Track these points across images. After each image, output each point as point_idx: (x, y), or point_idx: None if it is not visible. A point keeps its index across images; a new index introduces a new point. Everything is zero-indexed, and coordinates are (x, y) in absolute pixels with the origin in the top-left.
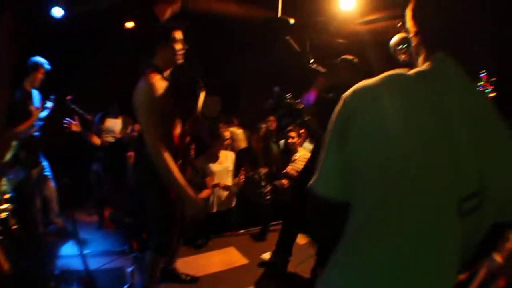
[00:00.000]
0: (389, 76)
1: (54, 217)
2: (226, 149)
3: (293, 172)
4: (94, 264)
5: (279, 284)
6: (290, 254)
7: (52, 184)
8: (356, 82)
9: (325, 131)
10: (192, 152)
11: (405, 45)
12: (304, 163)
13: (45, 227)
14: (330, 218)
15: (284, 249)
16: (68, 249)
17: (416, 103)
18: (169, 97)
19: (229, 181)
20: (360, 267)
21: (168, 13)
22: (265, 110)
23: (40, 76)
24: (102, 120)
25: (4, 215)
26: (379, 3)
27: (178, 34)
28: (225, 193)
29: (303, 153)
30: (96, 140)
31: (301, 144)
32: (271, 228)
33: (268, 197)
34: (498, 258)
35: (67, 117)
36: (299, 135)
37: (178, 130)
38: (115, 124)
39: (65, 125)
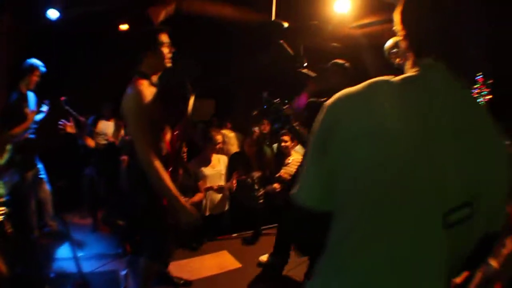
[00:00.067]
0: (373, 83)
1: (49, 219)
2: (218, 152)
3: (286, 176)
4: (88, 267)
5: (272, 287)
6: (289, 256)
7: (47, 186)
8: (347, 86)
9: None
10: (185, 156)
11: (399, 49)
12: (297, 167)
13: (40, 230)
14: (313, 228)
15: (281, 251)
16: (63, 252)
17: (400, 112)
18: (158, 103)
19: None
20: (342, 277)
21: (162, 15)
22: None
23: (35, 78)
24: (95, 123)
25: (0, 218)
26: (374, 6)
27: (164, 37)
28: (218, 197)
29: (296, 156)
30: (90, 143)
31: (294, 148)
32: (264, 231)
33: (261, 201)
34: (494, 263)
35: (62, 119)
36: (292, 139)
37: (168, 135)
38: (107, 127)
39: (60, 126)
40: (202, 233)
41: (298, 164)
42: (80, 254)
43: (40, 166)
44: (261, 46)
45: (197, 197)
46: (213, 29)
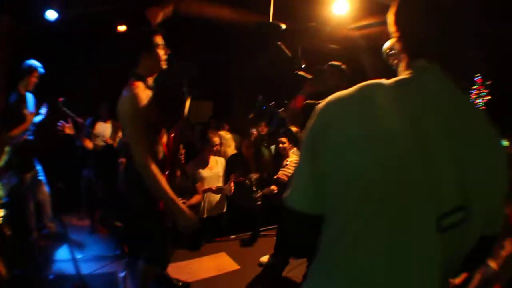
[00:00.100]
0: (365, 86)
1: (48, 221)
2: (216, 154)
3: (284, 177)
4: (87, 269)
5: None
6: (290, 257)
7: (45, 188)
8: (344, 88)
9: None
10: (182, 158)
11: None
12: (295, 168)
13: (38, 232)
14: (305, 231)
15: (282, 252)
16: (62, 254)
17: (394, 115)
18: (154, 106)
19: None
20: (334, 280)
21: (160, 17)
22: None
23: (34, 79)
24: (93, 124)
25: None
26: (372, 8)
27: (159, 39)
28: (216, 199)
29: (294, 158)
30: (88, 144)
31: (292, 149)
32: (262, 233)
33: (259, 202)
34: (493, 264)
35: (60, 120)
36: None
37: (164, 138)
38: (105, 129)
39: (58, 127)
40: (201, 235)
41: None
42: (78, 256)
43: (39, 167)
44: (259, 47)
45: (195, 199)
46: (211, 31)
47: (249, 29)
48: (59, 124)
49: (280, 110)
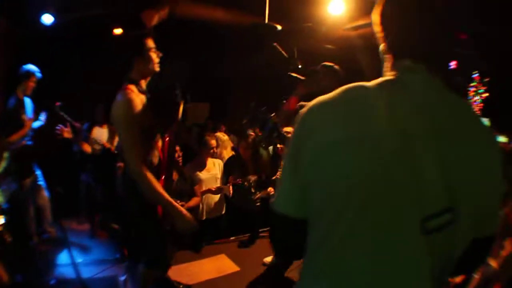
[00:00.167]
0: (349, 89)
1: (48, 226)
2: (213, 156)
3: None
4: (87, 273)
5: None
6: None
7: (45, 193)
8: (336, 89)
9: None
10: (180, 160)
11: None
12: None
13: (39, 237)
14: (291, 235)
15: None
16: (62, 258)
17: (378, 117)
18: (148, 110)
19: None
20: (321, 283)
21: (155, 19)
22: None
23: (32, 84)
24: (90, 129)
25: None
26: (368, 8)
27: (150, 42)
28: (214, 201)
29: None
30: (87, 148)
31: None
32: (261, 234)
33: (258, 204)
34: (493, 264)
35: (58, 124)
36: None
37: (159, 143)
38: (102, 134)
39: (57, 131)
40: (200, 237)
41: None
42: (79, 260)
43: (38, 172)
44: (255, 48)
45: (194, 201)
46: (206, 33)
47: (245, 30)
48: (57, 128)
49: (272, 115)
